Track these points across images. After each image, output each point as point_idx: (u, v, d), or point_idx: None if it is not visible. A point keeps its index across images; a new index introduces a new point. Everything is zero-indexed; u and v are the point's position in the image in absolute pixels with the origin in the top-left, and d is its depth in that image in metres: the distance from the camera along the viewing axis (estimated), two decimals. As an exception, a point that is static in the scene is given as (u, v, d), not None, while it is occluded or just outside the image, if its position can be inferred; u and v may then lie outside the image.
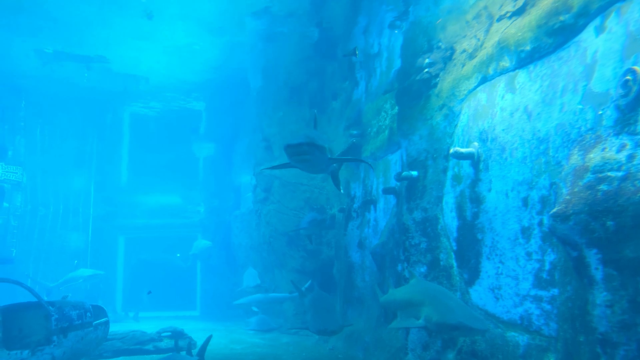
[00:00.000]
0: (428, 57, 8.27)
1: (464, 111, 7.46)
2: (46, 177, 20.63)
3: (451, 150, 7.14)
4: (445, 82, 7.92)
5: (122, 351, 10.70)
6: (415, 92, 8.47)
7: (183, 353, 8.54)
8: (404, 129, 8.68)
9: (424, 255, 7.88)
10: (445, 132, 7.78)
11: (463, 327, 5.28)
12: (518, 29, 6.28)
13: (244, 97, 18.29)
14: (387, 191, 9.53)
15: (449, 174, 7.66)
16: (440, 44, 8.20)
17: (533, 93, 5.99)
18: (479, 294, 6.78)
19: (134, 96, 19.12)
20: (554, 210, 4.80)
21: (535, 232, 5.80)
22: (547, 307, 5.54)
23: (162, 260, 22.52)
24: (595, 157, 4.65)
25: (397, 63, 10.20)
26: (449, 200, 7.61)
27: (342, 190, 11.81)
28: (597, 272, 4.48)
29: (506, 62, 6.50)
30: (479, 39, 7.43)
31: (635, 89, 4.42)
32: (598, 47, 5.04)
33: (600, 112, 4.85)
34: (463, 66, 7.61)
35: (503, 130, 6.48)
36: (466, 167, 7.19)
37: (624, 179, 4.29)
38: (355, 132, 12.14)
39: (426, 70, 8.24)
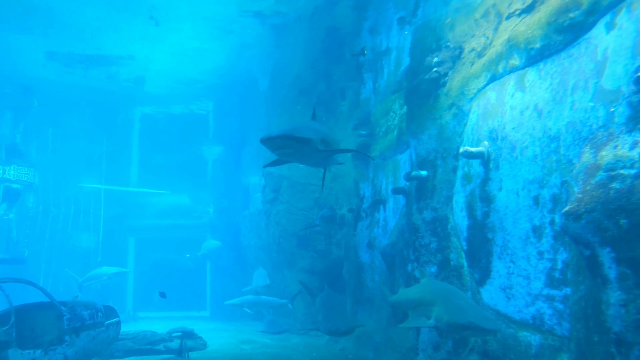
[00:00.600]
0: (437, 56, 8.23)
1: (473, 110, 7.42)
2: (57, 178, 20.82)
3: (461, 150, 7.11)
4: (454, 81, 7.88)
5: (133, 351, 10.77)
6: (424, 91, 8.45)
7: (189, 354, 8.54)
8: (413, 129, 8.65)
9: (434, 255, 7.85)
10: (455, 131, 7.75)
11: (474, 327, 5.24)
12: (527, 27, 6.24)
13: (253, 98, 18.35)
14: (396, 191, 9.50)
15: (459, 173, 7.63)
16: (449, 43, 8.17)
17: (543, 91, 5.95)
18: (490, 293, 6.74)
19: (144, 98, 19.25)
20: (566, 208, 4.76)
21: (547, 231, 5.76)
22: (560, 306, 5.50)
23: (172, 260, 22.65)
24: (607, 154, 4.61)
25: (406, 62, 10.17)
26: (459, 200, 7.58)
27: (323, 189, 11.56)
28: (611, 271, 4.44)
29: (516, 60, 6.46)
30: (487, 38, 7.39)
31: (647, 85, 4.38)
32: (609, 44, 4.99)
33: (612, 110, 4.81)
34: (472, 65, 7.58)
35: (513, 128, 6.45)
36: (476, 166, 7.16)
37: (637, 176, 4.25)
38: (363, 132, 12.12)
39: (435, 69, 8.21)
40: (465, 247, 7.38)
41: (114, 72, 16.39)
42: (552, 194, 5.70)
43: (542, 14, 6.04)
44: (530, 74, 6.22)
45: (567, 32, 5.59)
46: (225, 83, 17.69)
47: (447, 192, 7.82)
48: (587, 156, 4.92)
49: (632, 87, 4.53)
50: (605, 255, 4.47)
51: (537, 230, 5.93)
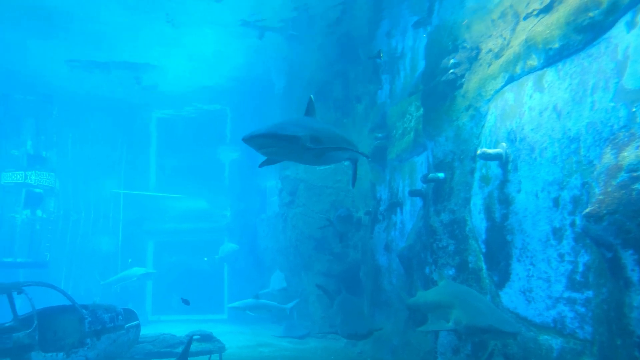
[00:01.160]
0: (453, 58, 8.19)
1: (490, 111, 7.36)
2: (77, 183, 21.16)
3: (478, 151, 7.06)
4: (471, 83, 7.83)
5: (152, 354, 10.86)
6: (440, 93, 8.41)
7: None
8: (430, 131, 8.62)
9: (452, 257, 7.79)
10: (472, 133, 7.69)
11: (494, 330, 5.18)
12: (546, 27, 6.18)
13: (269, 101, 18.44)
14: (413, 193, 9.46)
15: (477, 175, 7.57)
16: (465, 44, 8.13)
17: (562, 91, 5.88)
18: (509, 296, 6.67)
19: (162, 102, 19.46)
20: (587, 210, 4.70)
21: (568, 233, 5.69)
22: (582, 309, 5.42)
23: (190, 263, 22.86)
24: (629, 155, 4.53)
25: (422, 65, 10.13)
26: (477, 202, 7.52)
27: (354, 186, 11.47)
28: (634, 273, 4.37)
29: (534, 61, 6.39)
30: (505, 38, 7.34)
31: (670, 85, 4.31)
32: (630, 43, 4.92)
33: (634, 110, 4.74)
34: (489, 66, 7.52)
35: (532, 129, 6.38)
36: (494, 168, 7.09)
37: (660, 177, 4.18)
38: (380, 134, 12.10)
39: (451, 70, 8.17)
40: (483, 250, 7.32)
41: (133, 77, 16.62)
42: (572, 196, 5.63)
43: (560, 13, 5.98)
44: (549, 75, 6.15)
45: (587, 32, 5.52)
46: (241, 86, 17.80)
47: (465, 194, 7.76)
48: (608, 157, 4.84)
49: (654, 87, 4.46)
50: (628, 258, 4.40)
51: (557, 233, 5.85)
